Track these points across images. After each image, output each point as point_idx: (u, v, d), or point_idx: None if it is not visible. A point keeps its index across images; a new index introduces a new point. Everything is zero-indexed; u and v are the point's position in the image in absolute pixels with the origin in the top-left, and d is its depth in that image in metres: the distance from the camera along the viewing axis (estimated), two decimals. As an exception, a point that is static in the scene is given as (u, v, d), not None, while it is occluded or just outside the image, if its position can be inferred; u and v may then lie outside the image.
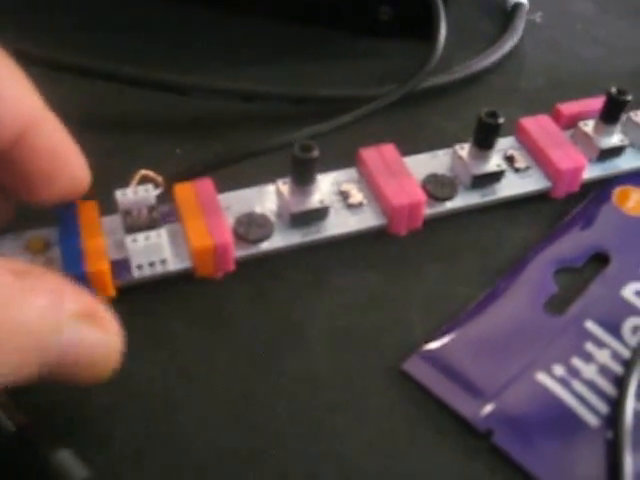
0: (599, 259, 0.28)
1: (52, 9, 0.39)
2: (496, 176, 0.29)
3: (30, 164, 0.23)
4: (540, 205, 0.30)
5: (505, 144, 0.31)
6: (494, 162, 0.29)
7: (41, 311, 0.18)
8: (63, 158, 0.24)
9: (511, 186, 0.29)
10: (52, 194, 0.24)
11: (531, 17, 0.42)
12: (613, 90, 0.29)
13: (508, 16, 0.41)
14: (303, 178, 0.26)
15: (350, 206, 0.28)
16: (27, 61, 0.31)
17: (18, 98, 0.22)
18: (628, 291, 0.27)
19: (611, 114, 0.29)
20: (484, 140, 0.28)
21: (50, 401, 0.23)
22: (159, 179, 0.27)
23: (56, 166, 0.24)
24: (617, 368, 0.25)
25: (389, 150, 0.29)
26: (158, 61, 0.35)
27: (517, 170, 0.30)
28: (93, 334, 0.20)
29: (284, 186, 0.27)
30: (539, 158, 0.30)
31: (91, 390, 0.23)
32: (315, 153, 0.25)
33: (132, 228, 0.26)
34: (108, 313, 0.21)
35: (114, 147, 0.31)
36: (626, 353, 0.25)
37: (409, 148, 0.30)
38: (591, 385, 0.24)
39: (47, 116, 0.23)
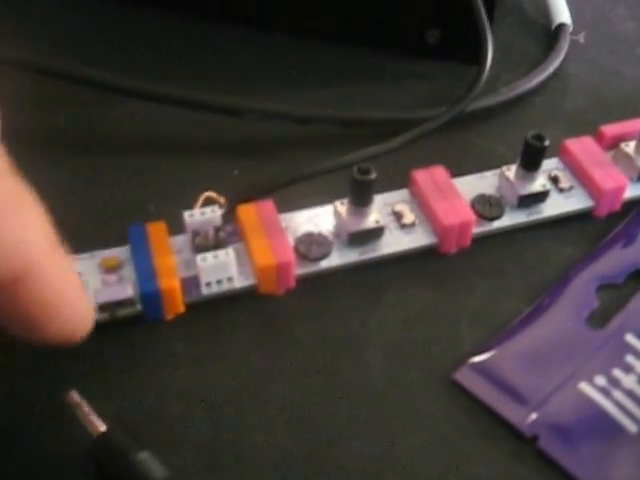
0: (639, 276, 0.30)
1: (102, 30, 0.41)
2: (541, 196, 0.30)
3: (21, 309, 0.20)
4: (583, 224, 0.31)
5: (550, 165, 0.32)
6: (539, 182, 0.30)
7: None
8: (58, 306, 0.21)
9: (556, 205, 0.31)
10: (44, 338, 0.21)
11: (575, 37, 0.43)
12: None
13: (552, 37, 0.42)
14: (361, 199, 0.28)
15: (403, 226, 0.30)
16: (92, 86, 0.34)
17: (17, 243, 0.19)
18: (667, 306, 0.28)
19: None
20: (530, 162, 0.30)
21: (126, 407, 0.25)
22: (221, 200, 0.30)
23: (50, 314, 0.21)
24: (656, 379, 0.26)
25: (439, 172, 0.31)
26: (210, 83, 0.37)
27: (561, 190, 0.31)
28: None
29: (342, 206, 0.29)
30: (582, 178, 0.32)
31: (165, 397, 0.25)
32: (373, 175, 0.27)
33: (200, 247, 0.28)
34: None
35: (174, 168, 0.34)
36: (665, 365, 0.27)
37: (458, 170, 0.32)
38: (631, 394, 0.26)
39: (49, 261, 0.20)
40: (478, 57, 0.36)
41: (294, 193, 0.31)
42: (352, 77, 0.39)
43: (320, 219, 0.30)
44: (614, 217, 0.32)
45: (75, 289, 0.22)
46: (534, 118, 0.37)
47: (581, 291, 0.29)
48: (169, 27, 0.41)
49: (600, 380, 0.26)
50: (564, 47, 0.41)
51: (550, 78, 0.39)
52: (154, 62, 0.39)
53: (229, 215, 0.29)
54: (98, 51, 0.39)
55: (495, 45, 0.37)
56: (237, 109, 0.35)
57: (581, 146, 0.32)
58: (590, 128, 0.34)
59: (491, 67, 0.36)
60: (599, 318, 0.28)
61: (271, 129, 0.35)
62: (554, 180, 0.32)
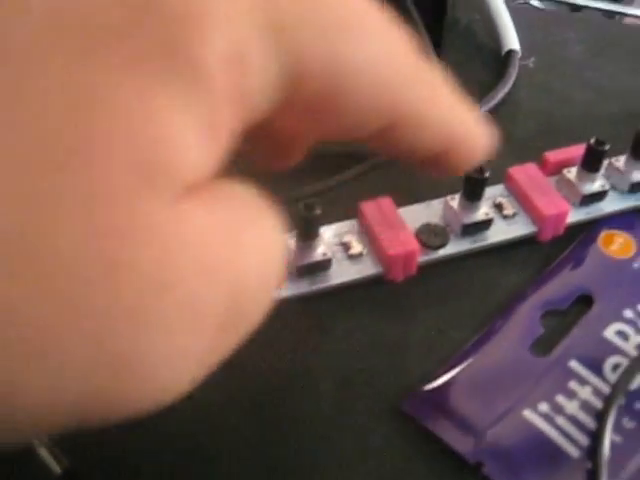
0: (584, 301, 0.30)
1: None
2: (485, 224, 0.31)
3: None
4: (528, 249, 0.32)
5: (495, 192, 0.33)
6: (483, 211, 0.31)
7: None
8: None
9: (500, 232, 0.32)
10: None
11: (524, 62, 0.44)
12: (592, 141, 0.31)
13: (502, 62, 0.43)
14: (307, 234, 0.29)
15: (351, 256, 0.30)
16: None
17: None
18: (610, 331, 0.29)
19: (591, 163, 0.32)
20: (472, 192, 0.30)
21: (87, 443, 0.25)
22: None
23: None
24: (598, 403, 0.27)
25: (386, 203, 0.31)
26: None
27: (505, 217, 0.32)
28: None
29: (290, 240, 0.30)
30: (526, 205, 0.32)
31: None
32: (318, 212, 0.28)
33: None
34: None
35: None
36: (606, 389, 0.27)
37: (406, 199, 0.32)
38: (573, 420, 0.26)
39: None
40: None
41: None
42: None
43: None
44: (559, 241, 0.32)
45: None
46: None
47: (526, 318, 0.29)
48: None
49: (543, 407, 0.27)
50: (513, 74, 0.42)
51: (499, 105, 0.40)
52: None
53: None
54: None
55: (444, 71, 0.37)
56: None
57: (525, 173, 0.33)
58: (538, 154, 0.34)
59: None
60: (544, 345, 0.29)
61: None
62: (498, 207, 0.32)
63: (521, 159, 0.34)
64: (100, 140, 0.12)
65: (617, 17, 0.55)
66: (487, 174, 0.30)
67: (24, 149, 0.11)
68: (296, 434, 0.26)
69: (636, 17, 0.54)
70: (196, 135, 0.13)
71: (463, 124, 0.20)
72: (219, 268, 0.14)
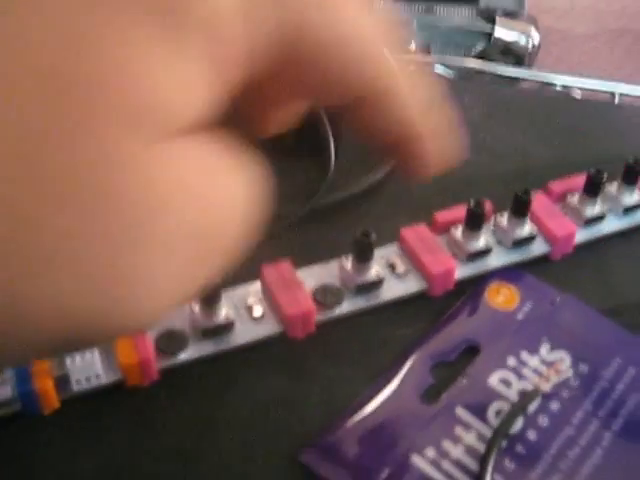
0: (471, 351, 0.32)
1: None
2: (377, 284, 0.33)
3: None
4: (421, 304, 0.34)
5: (388, 251, 0.35)
6: (374, 270, 0.33)
7: None
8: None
9: (392, 289, 0.34)
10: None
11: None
12: (472, 203, 0.34)
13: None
14: (209, 299, 0.31)
15: (254, 318, 0.32)
16: None
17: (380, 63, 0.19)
18: (494, 379, 0.31)
19: (473, 224, 0.34)
20: (361, 255, 0.33)
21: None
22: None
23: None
24: (481, 448, 0.29)
25: (285, 266, 0.33)
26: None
27: (398, 275, 0.34)
28: None
29: (195, 305, 0.31)
30: (416, 263, 0.35)
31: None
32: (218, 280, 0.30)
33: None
34: None
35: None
36: (489, 434, 0.29)
37: (307, 259, 0.34)
38: (458, 464, 0.28)
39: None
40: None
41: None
42: None
43: (178, 315, 0.32)
44: (450, 296, 0.35)
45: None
46: (382, 207, 0.40)
47: (416, 370, 0.32)
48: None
49: (430, 452, 0.29)
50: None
51: (396, 169, 0.43)
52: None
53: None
54: None
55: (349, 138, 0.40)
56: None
57: (415, 233, 0.35)
58: (430, 213, 0.37)
59: (345, 159, 0.39)
60: (433, 394, 0.31)
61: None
62: (391, 266, 0.35)
63: (415, 218, 0.37)
64: (93, 80, 0.13)
65: (516, 81, 0.58)
66: (373, 238, 0.32)
67: (21, 78, 0.13)
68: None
69: (533, 81, 0.58)
70: (196, 81, 0.15)
71: (426, 121, 0.21)
72: (191, 202, 0.15)
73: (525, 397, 0.30)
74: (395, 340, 0.33)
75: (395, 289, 0.34)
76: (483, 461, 0.28)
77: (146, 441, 0.29)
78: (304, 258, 0.35)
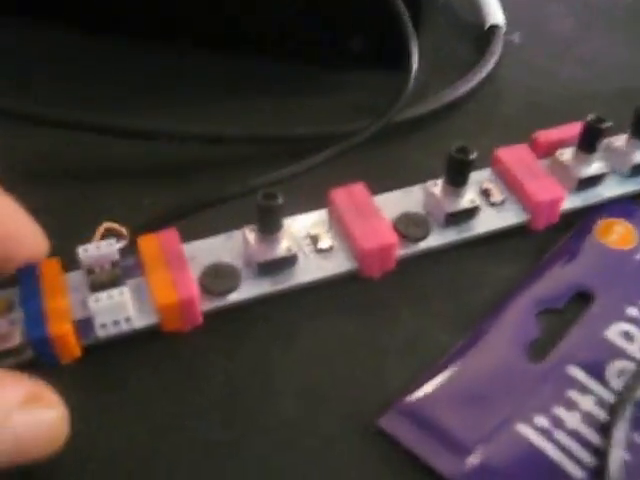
0: (583, 298, 0.27)
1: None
2: (470, 213, 0.28)
3: None
4: (520, 240, 0.29)
5: (481, 176, 0.30)
6: (468, 198, 0.28)
7: None
8: (17, 241, 0.24)
9: (488, 221, 0.28)
10: (6, 271, 0.25)
11: (509, 37, 0.40)
12: (590, 118, 0.28)
13: (485, 39, 0.40)
14: (269, 226, 0.26)
15: (320, 251, 0.27)
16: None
17: None
18: (612, 332, 0.26)
19: (589, 143, 0.28)
20: (456, 177, 0.27)
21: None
22: (123, 231, 0.27)
23: (10, 250, 0.24)
24: (602, 415, 0.23)
25: (359, 189, 0.28)
26: (117, 106, 0.34)
27: (493, 204, 0.29)
28: (42, 414, 0.21)
29: (251, 234, 0.26)
30: (516, 190, 0.29)
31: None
32: (279, 201, 0.25)
33: (96, 285, 0.25)
34: (49, 390, 0.21)
35: (79, 198, 0.30)
36: (611, 399, 0.24)
37: (384, 185, 0.29)
38: (575, 435, 0.23)
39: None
40: (404, 64, 0.33)
41: (206, 219, 0.28)
42: (271, 93, 0.36)
43: (231, 247, 0.27)
44: (554, 231, 0.29)
45: (27, 221, 0.24)
46: (468, 126, 0.35)
47: (519, 318, 0.26)
48: (57, 45, 0.38)
49: (540, 420, 0.23)
50: (497, 50, 0.38)
51: (483, 83, 0.37)
52: (44, 84, 0.36)
53: (133, 247, 0.26)
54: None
55: (426, 51, 0.34)
56: (147, 132, 0.31)
57: (514, 155, 0.29)
58: (525, 135, 0.31)
59: (422, 74, 0.34)
60: (539, 349, 0.25)
61: (183, 151, 0.32)
62: (485, 193, 0.29)
63: (509, 141, 0.31)
64: None
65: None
66: (473, 155, 0.26)
67: None
68: (257, 454, 0.23)
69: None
70: None
71: None
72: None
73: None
74: (490, 282, 0.27)
75: (491, 221, 0.28)
76: (607, 433, 0.23)
77: (184, 400, 0.24)
78: (382, 183, 0.29)
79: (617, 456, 0.22)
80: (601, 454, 0.22)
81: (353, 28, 0.36)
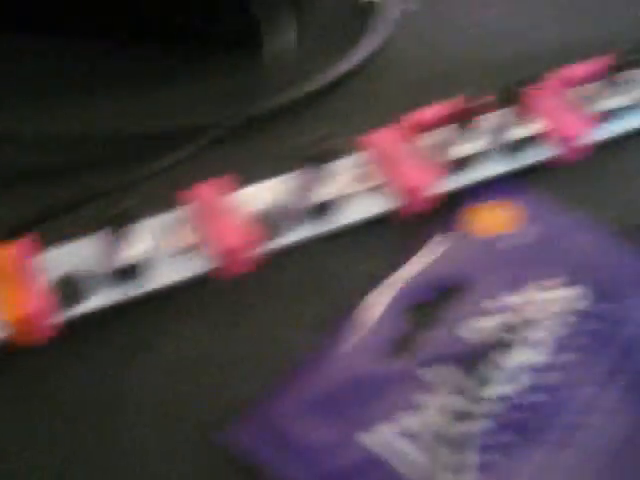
0: (452, 291, 0.26)
1: None
2: (334, 204, 0.27)
3: None
4: (387, 230, 0.28)
5: (348, 162, 0.28)
6: (333, 188, 0.26)
7: None
8: None
9: (353, 210, 0.27)
10: None
11: (405, 6, 0.39)
12: (458, 99, 0.27)
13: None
14: (122, 232, 0.25)
15: (179, 253, 0.26)
16: None
17: None
18: (468, 329, 0.25)
19: (460, 123, 0.27)
20: (316, 167, 0.26)
21: None
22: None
23: None
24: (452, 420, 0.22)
25: (218, 187, 0.27)
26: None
27: (360, 193, 0.27)
28: None
29: (105, 239, 0.25)
30: (385, 176, 0.28)
31: None
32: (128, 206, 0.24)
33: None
34: None
35: None
36: (463, 403, 0.23)
37: (256, 175, 0.28)
38: (418, 441, 0.22)
39: None
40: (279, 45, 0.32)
41: (60, 226, 0.27)
42: (125, 83, 0.34)
43: (85, 254, 0.26)
44: (425, 219, 0.28)
45: None
46: (347, 108, 0.33)
47: (383, 316, 0.25)
48: None
49: (384, 428, 0.22)
50: (377, 25, 0.36)
51: (370, 59, 0.35)
52: None
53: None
54: None
55: (307, 29, 0.33)
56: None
57: (383, 138, 0.28)
58: (409, 111, 0.30)
59: (305, 53, 0.32)
60: (400, 348, 0.24)
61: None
62: (352, 181, 0.28)
63: (386, 122, 0.29)
64: None
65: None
66: (337, 144, 0.25)
67: None
68: (104, 470, 0.22)
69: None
70: None
71: None
72: None
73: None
74: (355, 275, 0.26)
75: (357, 210, 0.27)
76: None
77: (37, 416, 0.23)
78: (252, 173, 0.28)
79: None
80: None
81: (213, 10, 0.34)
